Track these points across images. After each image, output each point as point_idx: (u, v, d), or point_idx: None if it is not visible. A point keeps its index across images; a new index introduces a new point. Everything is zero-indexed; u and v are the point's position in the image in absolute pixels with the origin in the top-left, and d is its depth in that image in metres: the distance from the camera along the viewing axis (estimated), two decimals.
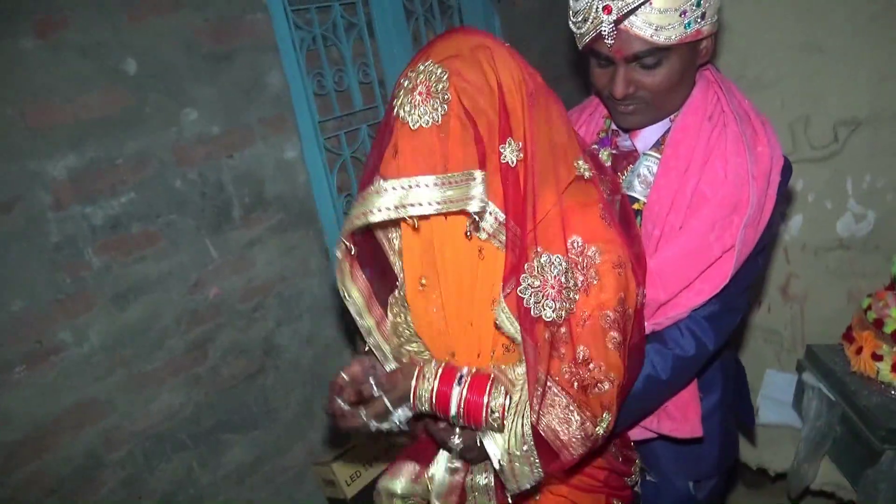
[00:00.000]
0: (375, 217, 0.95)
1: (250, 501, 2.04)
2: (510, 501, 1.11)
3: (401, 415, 1.07)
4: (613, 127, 1.32)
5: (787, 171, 1.18)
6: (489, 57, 0.96)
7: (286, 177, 2.01)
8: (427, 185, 0.93)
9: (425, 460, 1.22)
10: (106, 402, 1.66)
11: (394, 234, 1.16)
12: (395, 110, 0.97)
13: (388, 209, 0.94)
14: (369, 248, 1.16)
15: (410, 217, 0.95)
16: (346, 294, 1.15)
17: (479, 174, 0.93)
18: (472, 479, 1.17)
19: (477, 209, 0.93)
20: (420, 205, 0.93)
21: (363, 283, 1.16)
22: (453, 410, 1.03)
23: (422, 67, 0.96)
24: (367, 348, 1.21)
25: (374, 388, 1.08)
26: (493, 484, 1.15)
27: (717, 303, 1.15)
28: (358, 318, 1.17)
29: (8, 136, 1.44)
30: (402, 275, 1.14)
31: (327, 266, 2.16)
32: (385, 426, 1.08)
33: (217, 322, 1.89)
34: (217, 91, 1.80)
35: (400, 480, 1.25)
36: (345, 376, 1.12)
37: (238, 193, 1.89)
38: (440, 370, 1.05)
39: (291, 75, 1.98)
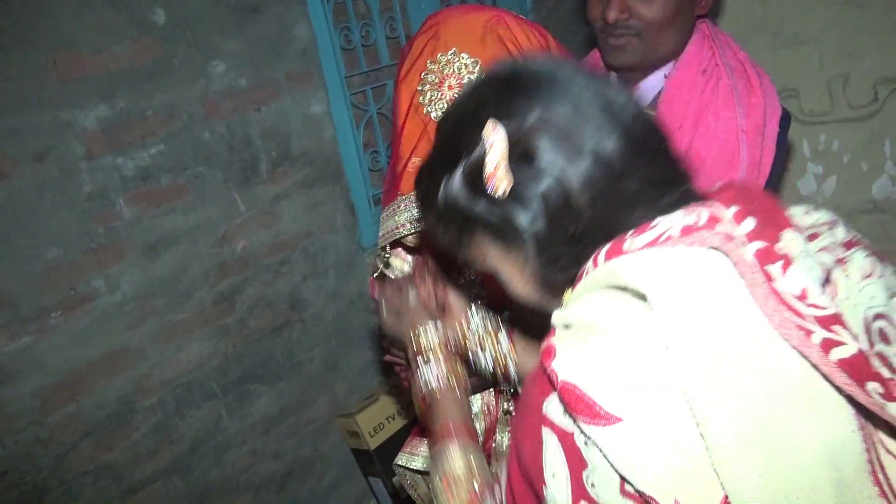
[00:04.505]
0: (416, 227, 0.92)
1: (276, 451, 2.10)
2: None
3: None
4: None
5: (785, 120, 1.15)
6: (508, 32, 0.93)
7: (313, 132, 2.01)
8: None
9: None
10: (138, 349, 1.70)
11: None
12: (425, 108, 0.93)
13: None
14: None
15: None
16: (397, 274, 1.06)
17: None
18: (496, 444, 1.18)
19: None
20: None
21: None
22: None
23: (444, 58, 0.92)
24: None
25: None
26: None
27: None
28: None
29: (40, 85, 1.45)
30: None
31: (353, 222, 2.17)
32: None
33: (244, 275, 1.92)
34: (245, 44, 1.80)
35: (419, 458, 1.25)
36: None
37: (265, 147, 1.90)
38: None
39: (318, 29, 1.96)
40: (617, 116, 0.58)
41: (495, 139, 0.57)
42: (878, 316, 0.53)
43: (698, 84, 1.15)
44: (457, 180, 0.61)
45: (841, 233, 0.59)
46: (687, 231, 0.54)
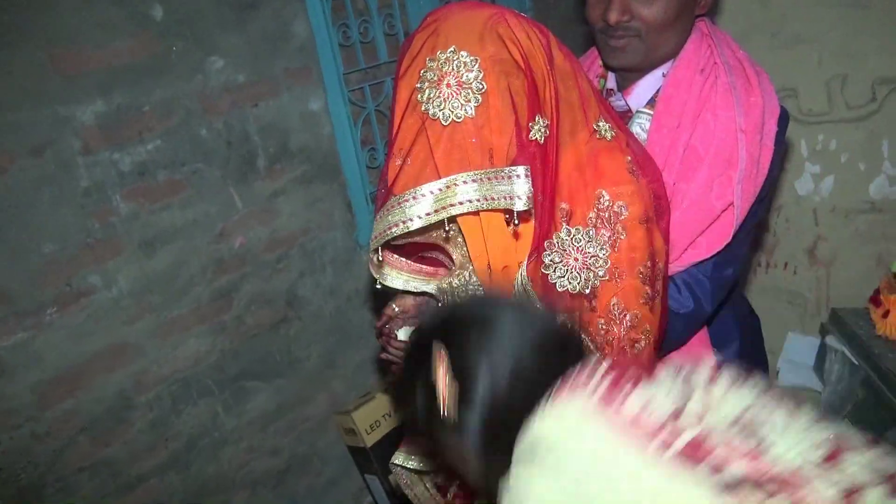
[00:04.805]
0: (414, 224, 0.90)
1: (273, 447, 2.10)
2: None
3: None
4: (608, 86, 1.29)
5: (783, 119, 1.15)
6: (508, 30, 0.92)
7: (310, 128, 2.01)
8: (465, 182, 0.88)
9: None
10: (135, 345, 1.70)
11: (452, 231, 1.09)
12: (423, 105, 0.91)
13: (426, 215, 0.90)
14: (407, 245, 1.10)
15: (451, 217, 0.91)
16: (388, 281, 1.07)
17: (521, 170, 0.88)
18: None
19: (523, 208, 0.88)
20: (461, 204, 0.88)
21: (405, 264, 1.10)
22: None
23: (444, 56, 0.90)
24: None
25: None
26: None
27: (717, 258, 1.14)
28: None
29: (39, 80, 1.45)
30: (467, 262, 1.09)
31: (350, 219, 2.17)
32: None
33: (242, 272, 1.91)
34: (243, 40, 1.79)
35: (416, 456, 1.25)
36: (395, 307, 1.10)
37: (263, 144, 1.89)
38: None
39: (317, 25, 1.96)
40: (537, 332, 0.79)
41: (441, 362, 0.76)
42: (748, 407, 0.68)
43: (696, 83, 1.15)
44: (419, 395, 0.79)
45: (709, 362, 0.75)
46: (565, 383, 0.73)
